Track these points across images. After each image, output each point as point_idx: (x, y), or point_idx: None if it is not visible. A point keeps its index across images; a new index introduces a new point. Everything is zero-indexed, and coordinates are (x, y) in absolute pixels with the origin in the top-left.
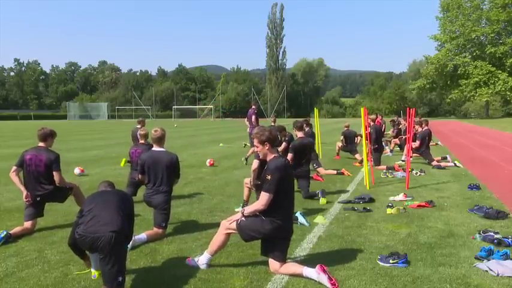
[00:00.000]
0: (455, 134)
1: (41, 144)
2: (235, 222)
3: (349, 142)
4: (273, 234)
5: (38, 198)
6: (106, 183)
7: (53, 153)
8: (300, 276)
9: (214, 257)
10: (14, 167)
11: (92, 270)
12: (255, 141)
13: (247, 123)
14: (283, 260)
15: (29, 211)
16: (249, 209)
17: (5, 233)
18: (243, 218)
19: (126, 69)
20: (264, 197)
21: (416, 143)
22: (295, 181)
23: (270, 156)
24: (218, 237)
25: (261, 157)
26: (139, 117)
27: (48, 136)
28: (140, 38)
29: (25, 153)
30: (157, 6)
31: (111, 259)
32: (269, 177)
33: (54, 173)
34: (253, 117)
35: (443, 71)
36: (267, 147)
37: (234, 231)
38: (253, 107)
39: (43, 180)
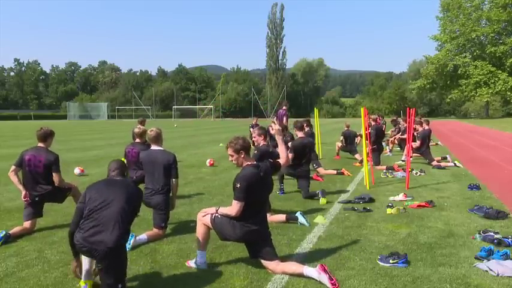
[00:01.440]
0: (455, 134)
1: (41, 144)
2: (209, 216)
3: (349, 142)
4: (246, 238)
5: (37, 198)
6: (116, 164)
7: (53, 154)
8: (300, 275)
9: (214, 256)
10: (13, 167)
11: (82, 279)
12: (229, 151)
13: (275, 121)
14: (273, 258)
15: (28, 211)
16: (222, 210)
17: (4, 233)
18: (218, 215)
19: (126, 69)
20: (235, 205)
21: (417, 143)
22: (296, 181)
23: (244, 164)
24: (198, 230)
25: (237, 166)
26: (139, 117)
27: (48, 136)
28: (140, 38)
29: (24, 153)
30: (157, 7)
31: (110, 270)
32: (238, 185)
33: (54, 174)
34: (285, 118)
35: (443, 71)
36: (242, 156)
37: (209, 226)
38: (284, 107)
39: (41, 181)
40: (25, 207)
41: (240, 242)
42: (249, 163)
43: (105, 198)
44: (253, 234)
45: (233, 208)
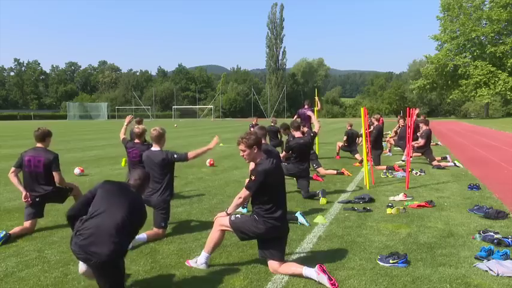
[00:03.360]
0: (455, 134)
1: (39, 144)
2: (226, 218)
3: (351, 142)
4: (267, 234)
5: (37, 199)
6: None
7: (52, 153)
8: (299, 276)
9: (213, 256)
10: (13, 168)
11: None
12: (241, 146)
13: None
14: (281, 259)
15: (28, 211)
16: (231, 207)
17: (4, 233)
18: (238, 216)
19: (126, 69)
20: (244, 192)
21: (421, 142)
22: (296, 181)
23: (258, 158)
24: (213, 235)
25: (248, 161)
26: (136, 117)
27: (46, 136)
28: (140, 38)
29: (24, 155)
30: (157, 6)
31: (106, 278)
32: (253, 177)
33: (54, 174)
34: (312, 117)
35: (443, 70)
36: (255, 151)
37: (228, 229)
38: (306, 106)
39: (42, 181)
40: (26, 207)
41: (260, 238)
42: (264, 157)
43: (109, 206)
44: (275, 231)
45: (241, 194)
